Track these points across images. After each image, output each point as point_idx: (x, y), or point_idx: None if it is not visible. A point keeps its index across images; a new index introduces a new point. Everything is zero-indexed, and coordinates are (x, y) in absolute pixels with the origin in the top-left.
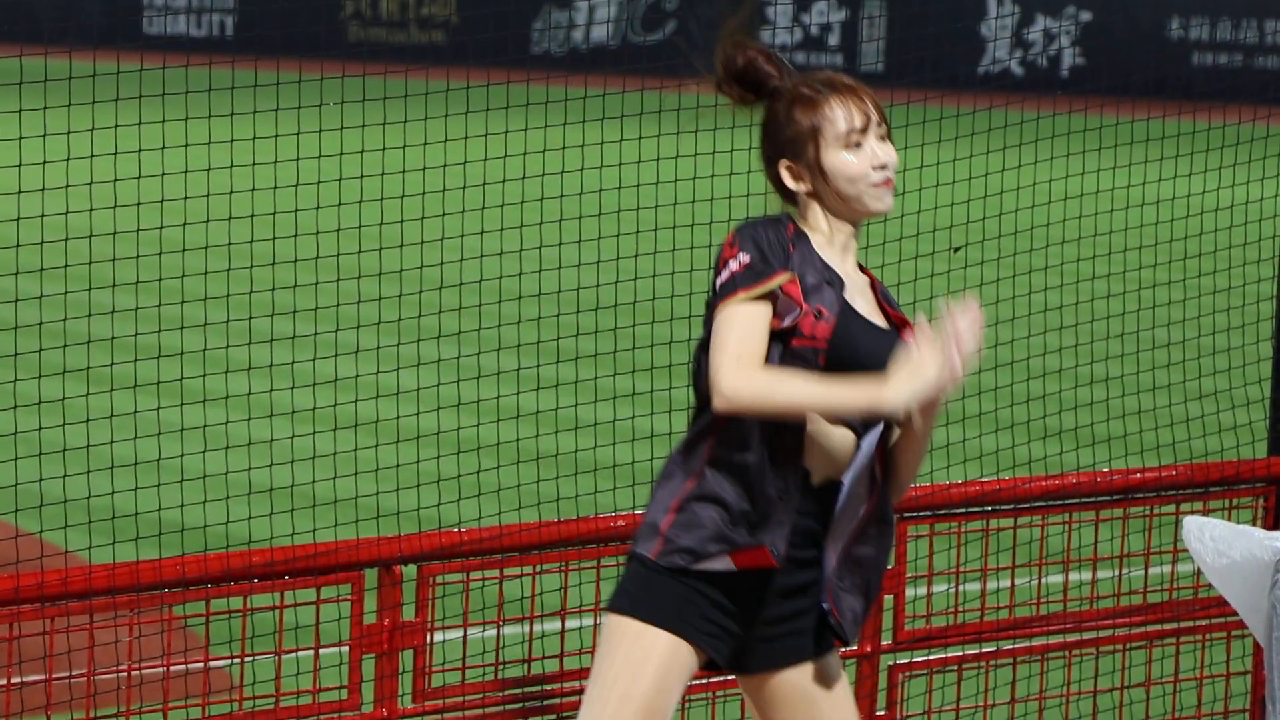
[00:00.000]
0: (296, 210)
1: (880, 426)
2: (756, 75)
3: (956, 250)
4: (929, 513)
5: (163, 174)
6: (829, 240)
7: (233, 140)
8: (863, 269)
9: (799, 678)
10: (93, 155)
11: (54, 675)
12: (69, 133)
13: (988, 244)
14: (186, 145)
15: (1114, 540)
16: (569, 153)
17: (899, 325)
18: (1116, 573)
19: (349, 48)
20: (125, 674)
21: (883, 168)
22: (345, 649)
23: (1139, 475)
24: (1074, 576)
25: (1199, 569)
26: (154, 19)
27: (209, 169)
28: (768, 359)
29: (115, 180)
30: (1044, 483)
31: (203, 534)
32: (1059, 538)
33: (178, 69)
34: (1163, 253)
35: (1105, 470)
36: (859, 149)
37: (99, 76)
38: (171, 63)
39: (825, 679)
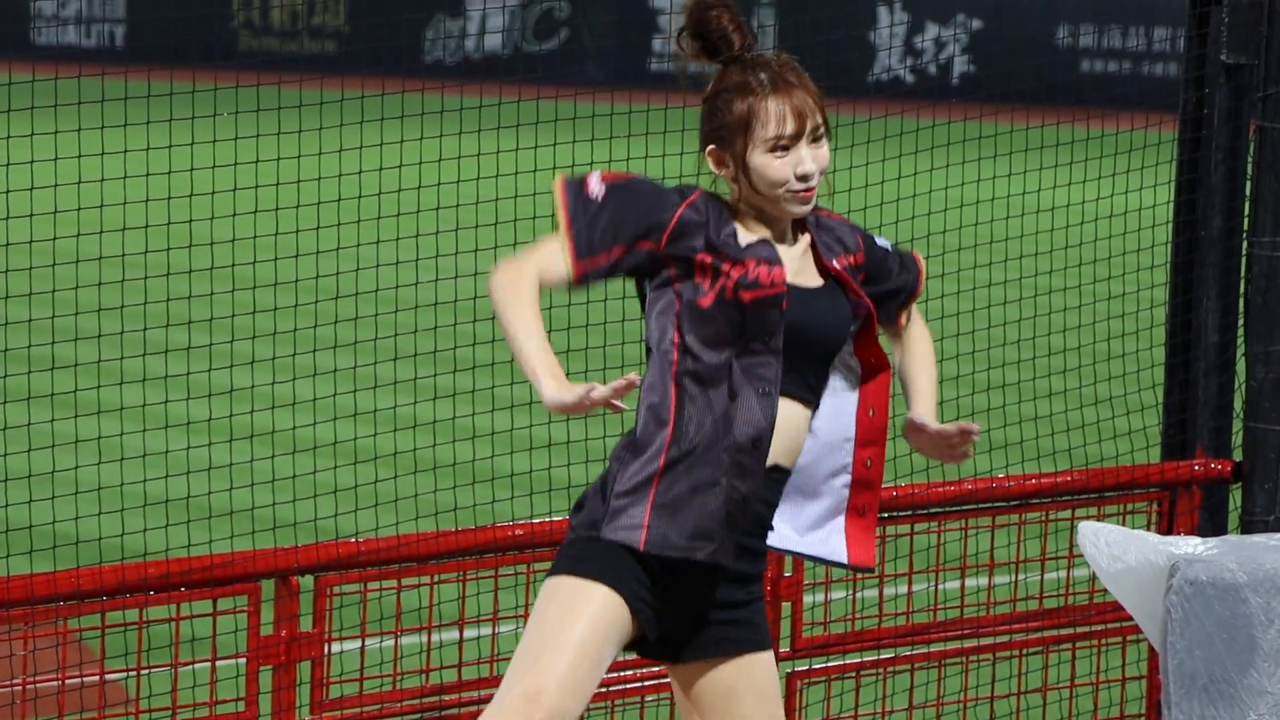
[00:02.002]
0: (191, 220)
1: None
2: (720, 34)
3: None
4: None
5: (55, 185)
6: (754, 219)
7: (126, 151)
8: (804, 227)
9: (730, 671)
10: None
11: None
12: None
13: None
14: (79, 156)
15: (1010, 546)
16: (464, 161)
17: (838, 278)
18: (1013, 578)
19: (241, 57)
20: (20, 688)
21: (805, 178)
22: (242, 661)
23: (1035, 481)
24: (971, 582)
25: (1095, 574)
26: (43, 30)
27: (102, 179)
28: (728, 321)
29: (8, 192)
30: (941, 489)
31: (98, 546)
32: (956, 544)
33: (70, 80)
34: (1056, 260)
35: (1002, 476)
36: (786, 153)
37: None
38: (63, 74)
39: (755, 677)
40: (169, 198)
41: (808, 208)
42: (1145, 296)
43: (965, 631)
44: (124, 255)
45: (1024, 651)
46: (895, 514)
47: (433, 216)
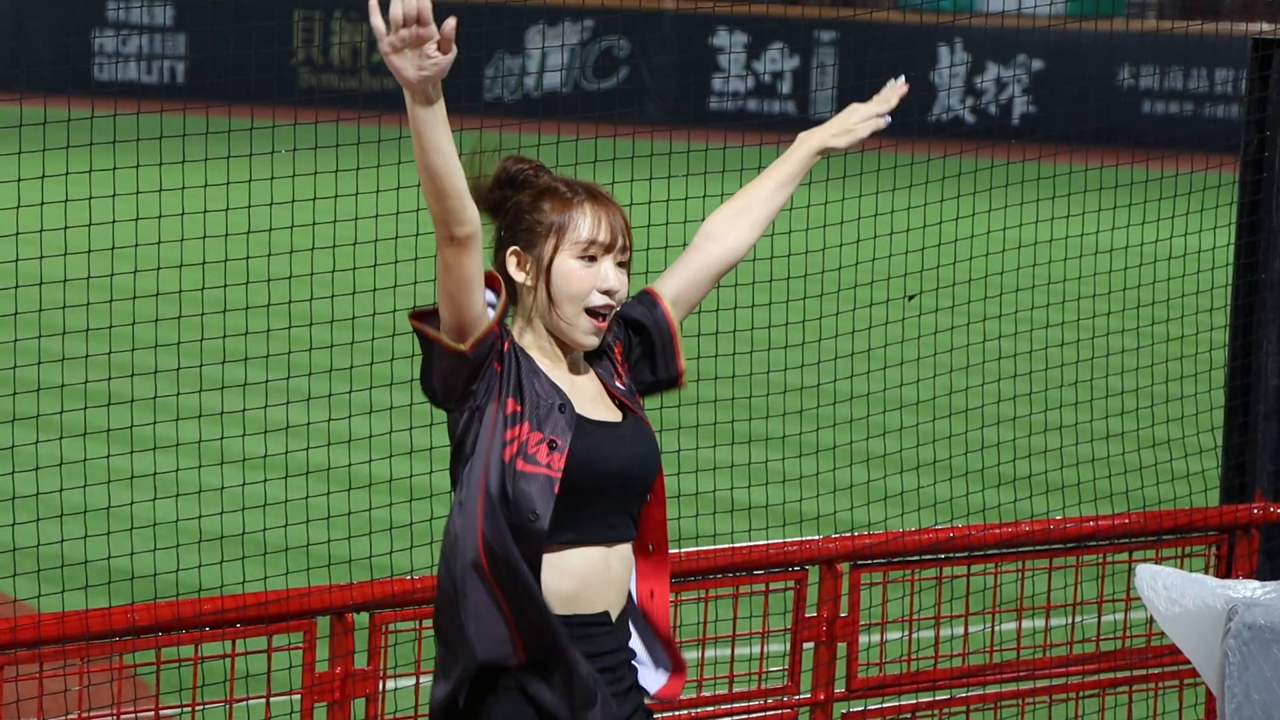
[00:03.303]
0: (248, 256)
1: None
2: (510, 175)
3: (911, 298)
4: (883, 560)
5: (113, 221)
6: (547, 349)
7: (184, 187)
8: (589, 357)
9: None
10: (43, 202)
11: None
12: (19, 180)
13: (942, 291)
14: (138, 192)
15: (1067, 588)
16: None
17: (629, 407)
18: (1070, 620)
19: (300, 94)
20: None
21: (608, 293)
22: (297, 698)
23: (1092, 523)
24: (1027, 624)
25: (1152, 617)
26: (104, 65)
27: (160, 216)
28: (494, 487)
29: (66, 227)
30: (998, 530)
31: (153, 582)
32: (1012, 585)
33: (129, 116)
34: (1116, 301)
35: (1059, 518)
36: (592, 264)
37: (50, 124)
38: (122, 109)
39: None
40: (226, 234)
41: (596, 340)
42: (1205, 339)
43: (1021, 673)
44: (181, 291)
45: (1080, 694)
46: (952, 555)
47: (490, 253)
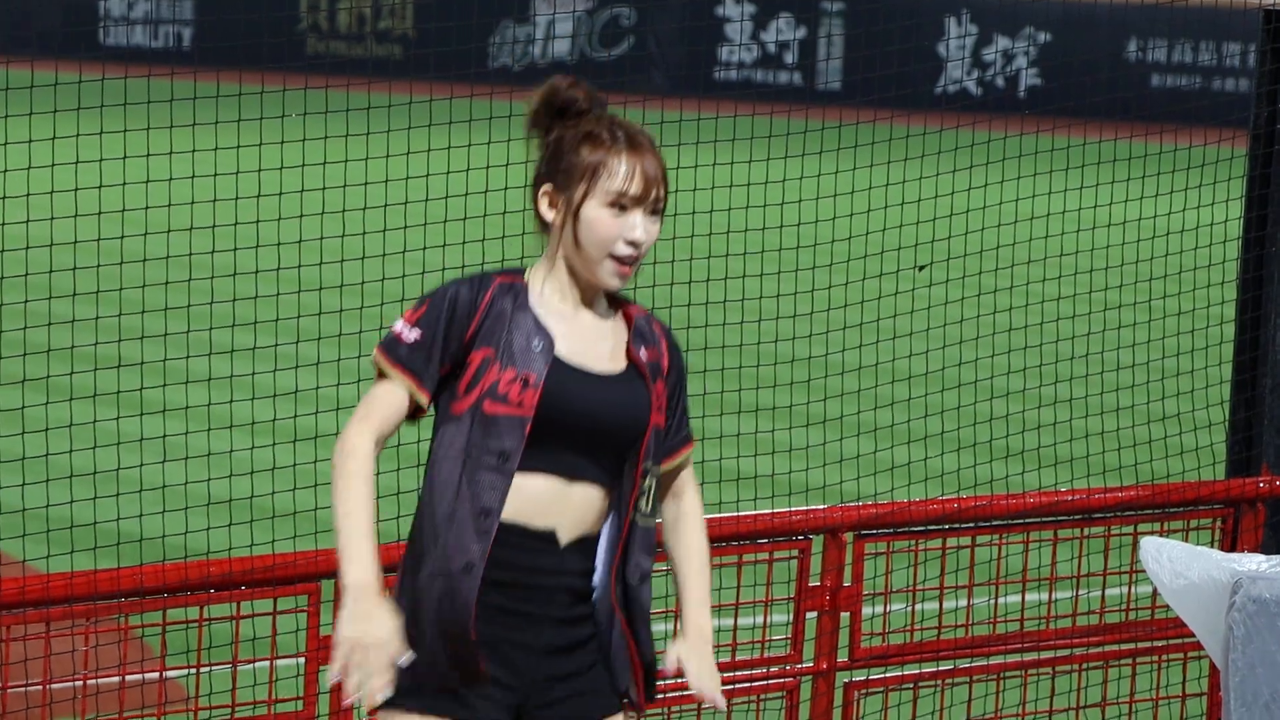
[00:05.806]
0: (258, 221)
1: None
2: (560, 100)
3: (922, 269)
4: (887, 530)
5: (123, 184)
6: (562, 289)
7: (194, 150)
8: (625, 307)
9: None
10: (54, 164)
11: (9, 684)
12: (30, 141)
13: (951, 263)
14: (148, 155)
15: (1072, 560)
16: (530, 166)
17: (639, 369)
18: (1074, 593)
19: (307, 60)
20: (81, 684)
21: (633, 245)
22: (302, 660)
23: (1098, 496)
24: (1031, 596)
25: (1156, 590)
26: (111, 30)
27: (170, 179)
28: (466, 430)
29: (75, 189)
30: (1003, 502)
31: (160, 545)
32: (1017, 557)
33: (139, 79)
34: (1125, 275)
35: (1064, 490)
36: (622, 214)
37: (60, 85)
38: (132, 74)
39: None
40: (236, 198)
41: (621, 283)
42: (1214, 313)
43: (1025, 645)
44: (190, 255)
45: (1084, 666)
46: (958, 526)
47: (499, 221)
